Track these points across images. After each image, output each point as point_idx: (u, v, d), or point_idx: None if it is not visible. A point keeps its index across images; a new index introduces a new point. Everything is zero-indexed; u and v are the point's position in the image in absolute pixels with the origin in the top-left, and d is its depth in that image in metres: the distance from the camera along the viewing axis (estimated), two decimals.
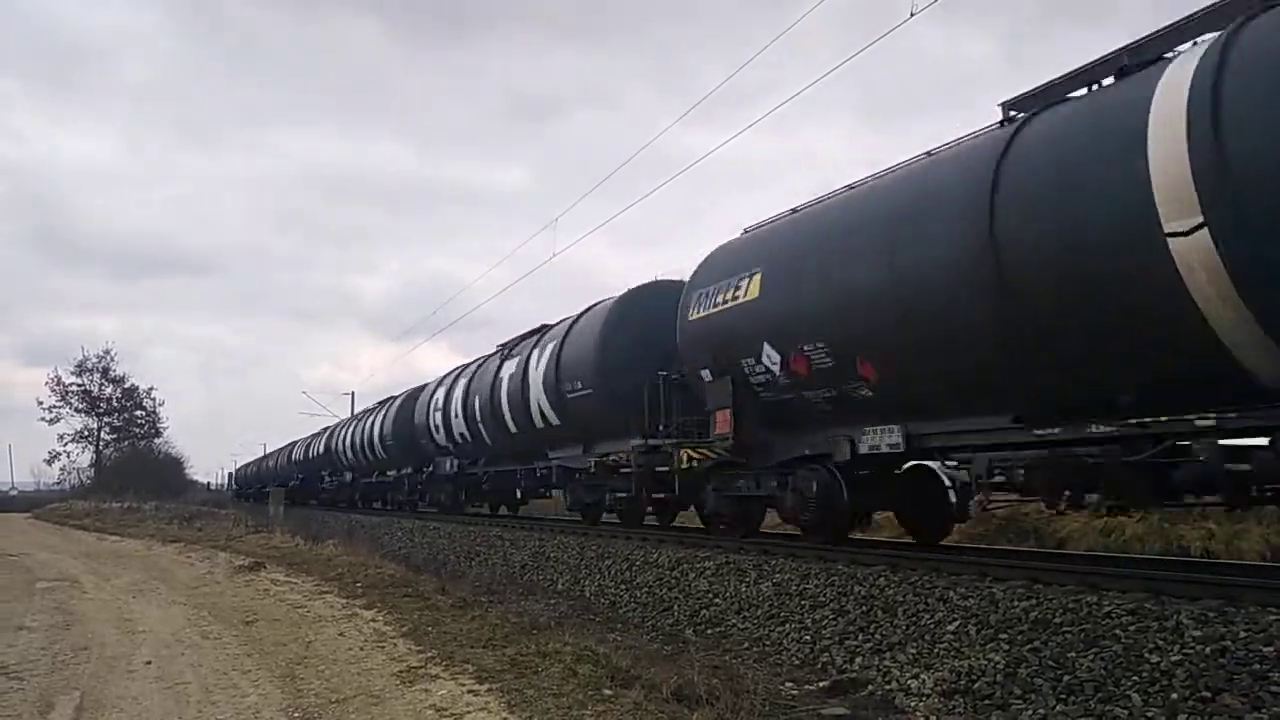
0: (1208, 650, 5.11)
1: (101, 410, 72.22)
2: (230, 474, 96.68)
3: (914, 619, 7.10)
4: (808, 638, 7.74)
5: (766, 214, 12.09)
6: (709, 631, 8.86)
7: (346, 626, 9.23)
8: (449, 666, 7.11)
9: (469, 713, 5.84)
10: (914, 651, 6.66)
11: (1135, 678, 5.20)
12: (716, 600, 9.49)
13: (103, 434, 73.04)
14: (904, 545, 12.31)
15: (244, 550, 19.87)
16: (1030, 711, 5.35)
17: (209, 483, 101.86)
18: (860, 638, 7.28)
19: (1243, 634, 5.15)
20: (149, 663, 7.90)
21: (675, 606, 9.94)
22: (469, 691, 6.32)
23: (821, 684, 6.57)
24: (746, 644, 8.19)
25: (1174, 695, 4.92)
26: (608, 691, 6.21)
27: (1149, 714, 4.87)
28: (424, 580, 12.60)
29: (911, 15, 11.37)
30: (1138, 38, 7.30)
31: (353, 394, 40.35)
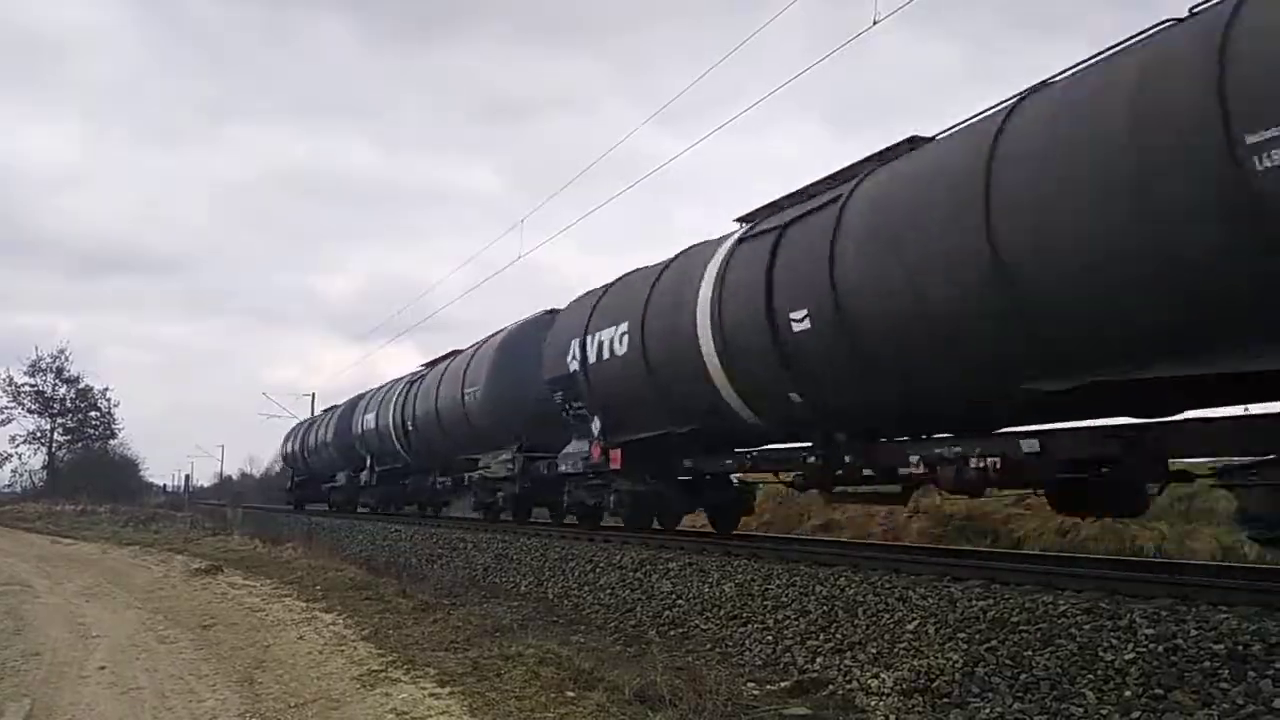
0: (1160, 648, 5.21)
1: (55, 411, 70.74)
2: (200, 475, 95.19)
3: (874, 618, 7.17)
4: (770, 638, 7.78)
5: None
6: (672, 633, 8.87)
7: (306, 630, 9.13)
8: (410, 670, 7.07)
9: (430, 716, 5.81)
10: (874, 651, 6.72)
11: (1090, 675, 5.29)
12: (680, 601, 9.51)
13: (56, 435, 71.52)
14: (865, 545, 12.44)
15: (201, 553, 19.59)
16: (988, 709, 5.42)
17: (165, 485, 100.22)
18: (822, 637, 7.33)
19: (1194, 632, 5.25)
20: (102, 668, 7.76)
21: (639, 608, 9.95)
22: (430, 695, 6.28)
23: (783, 684, 6.60)
24: (709, 645, 8.22)
25: (1127, 693, 5.01)
26: (570, 693, 6.20)
27: (1103, 711, 4.96)
28: (385, 583, 12.52)
29: (875, 23, 11.54)
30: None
31: (313, 395, 40.02)
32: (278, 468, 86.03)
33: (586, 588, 11.39)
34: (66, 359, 70.66)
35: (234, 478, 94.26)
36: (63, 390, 70.83)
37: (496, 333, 19.72)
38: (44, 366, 69.17)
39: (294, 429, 39.90)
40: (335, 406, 32.53)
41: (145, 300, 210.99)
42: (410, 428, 23.48)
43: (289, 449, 38.88)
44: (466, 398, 19.23)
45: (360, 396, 30.52)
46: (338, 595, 11.53)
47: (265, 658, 7.88)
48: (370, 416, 27.53)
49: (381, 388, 28.61)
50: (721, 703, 5.87)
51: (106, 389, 74.30)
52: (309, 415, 42.52)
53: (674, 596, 9.69)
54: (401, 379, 26.56)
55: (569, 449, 14.80)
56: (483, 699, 6.11)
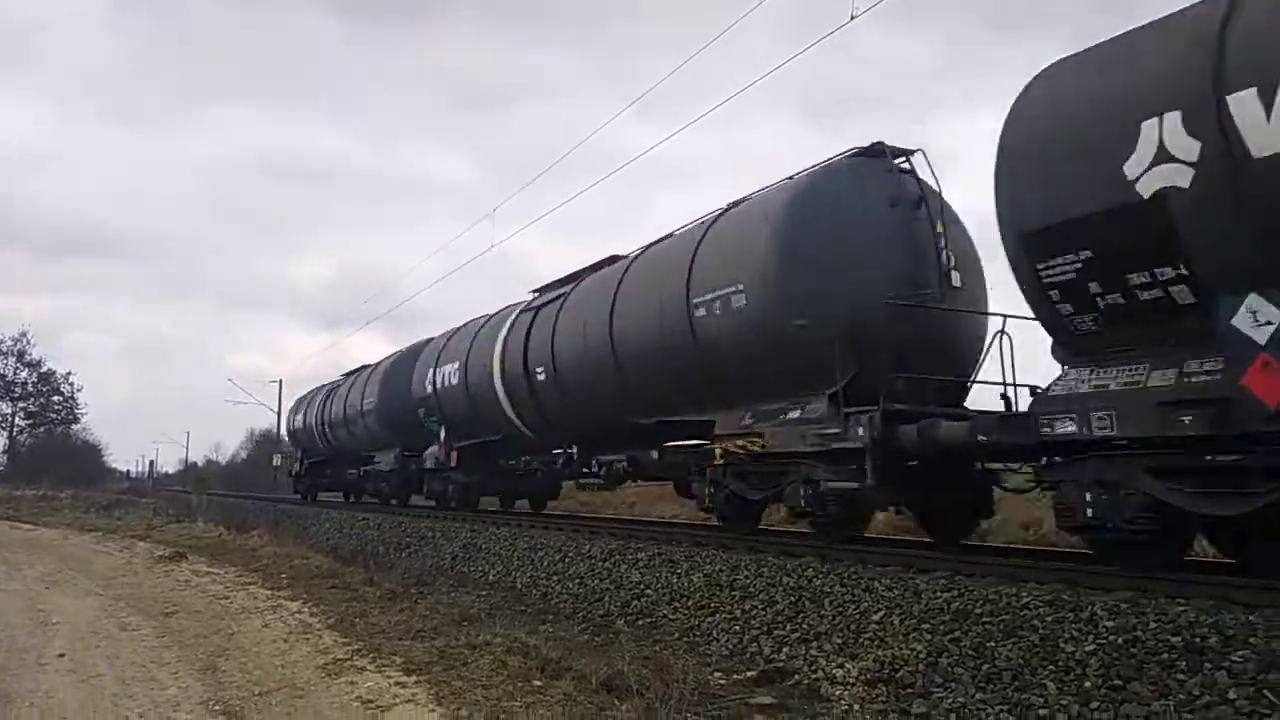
0: (1120, 640, 5.29)
1: (16, 395, 69.58)
2: (152, 464, 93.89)
3: (840, 609, 7.22)
4: (737, 628, 7.82)
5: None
6: (640, 622, 8.89)
7: (271, 618, 9.05)
8: (376, 658, 7.02)
9: (396, 704, 5.78)
10: (839, 641, 6.77)
11: (1051, 667, 5.36)
12: (648, 591, 9.53)
13: (16, 419, 70.35)
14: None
15: (165, 540, 19.36)
16: (950, 699, 5.48)
17: (129, 471, 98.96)
18: (788, 628, 7.38)
19: (1153, 624, 5.34)
20: (62, 655, 7.65)
21: (607, 597, 9.96)
22: (396, 684, 6.25)
23: (749, 673, 6.64)
24: (677, 634, 8.24)
25: (1087, 684, 5.09)
26: (538, 683, 6.20)
27: (1064, 702, 5.03)
28: (352, 572, 12.42)
29: (852, 18, 11.54)
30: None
31: (280, 382, 39.52)
32: (244, 454, 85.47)
33: (555, 577, 11.39)
34: (29, 342, 69.60)
35: (199, 464, 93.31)
36: (24, 374, 69.70)
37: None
38: (5, 350, 68.06)
39: (305, 399, 33.72)
40: (365, 367, 27.50)
41: (112, 284, 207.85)
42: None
43: (298, 423, 33.22)
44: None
45: (426, 342, 23.37)
46: (303, 583, 11.44)
47: (229, 646, 7.81)
48: (432, 375, 21.61)
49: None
50: (688, 692, 5.89)
51: (70, 373, 73.24)
52: (277, 404, 41.39)
53: (642, 586, 9.71)
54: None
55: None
56: (449, 688, 6.09)
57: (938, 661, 5.90)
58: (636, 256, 13.66)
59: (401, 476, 23.57)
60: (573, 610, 10.02)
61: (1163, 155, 6.19)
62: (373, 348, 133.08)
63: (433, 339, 22.27)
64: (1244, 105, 5.74)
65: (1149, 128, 6.27)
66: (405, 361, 23.02)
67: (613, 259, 14.81)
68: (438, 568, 14.11)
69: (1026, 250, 7.16)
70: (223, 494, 46.34)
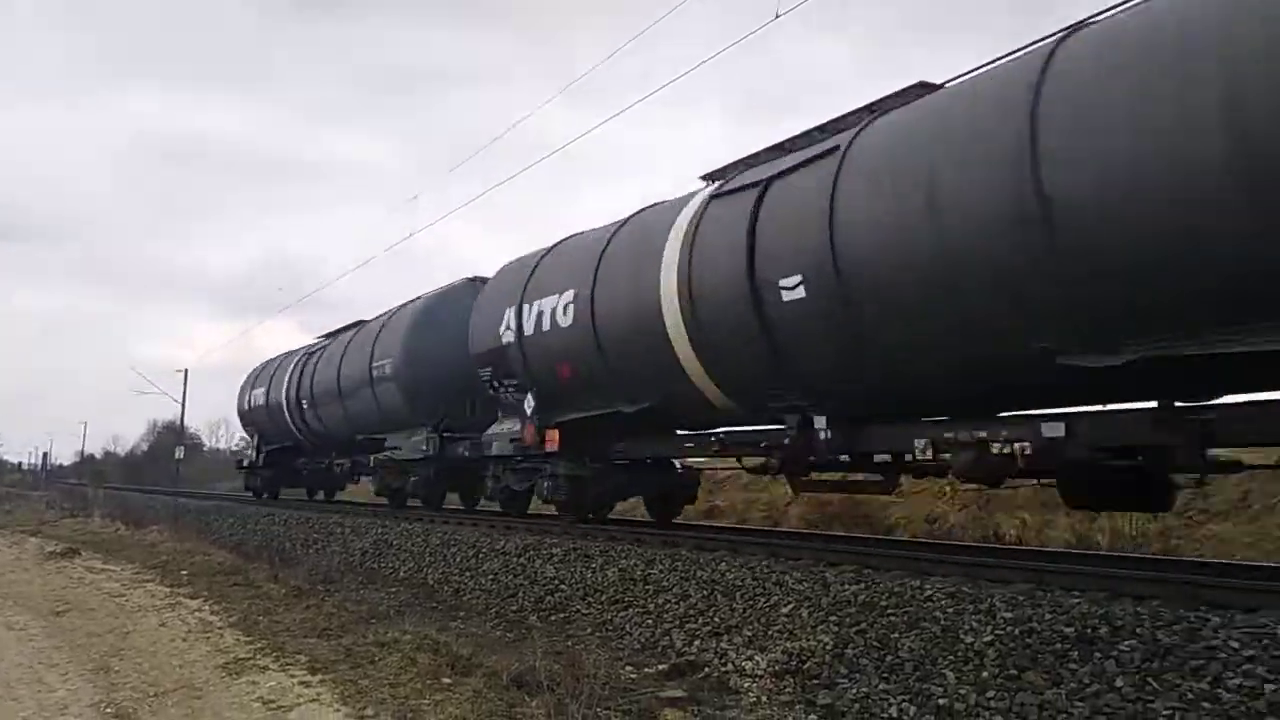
0: (1017, 631, 5.48)
1: None
2: (46, 455, 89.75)
3: (751, 602, 7.31)
4: (650, 622, 7.85)
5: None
6: (554, 618, 8.86)
7: (169, 616, 8.75)
8: (279, 657, 6.85)
9: (299, 704, 5.64)
10: (750, 634, 6.85)
11: (951, 656, 5.52)
12: (563, 586, 9.49)
13: None
14: (747, 530, 12.69)
15: (57, 535, 18.56)
16: (855, 690, 5.60)
17: (21, 463, 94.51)
18: (700, 621, 7.44)
19: (1048, 616, 5.54)
20: None
21: (521, 593, 9.89)
22: (300, 683, 6.10)
23: (661, 667, 6.67)
24: (590, 629, 8.23)
25: (985, 673, 5.25)
26: (447, 680, 6.12)
27: (961, 691, 5.18)
28: (256, 568, 12.10)
29: (777, 16, 11.65)
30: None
31: (186, 372, 38.13)
32: (145, 446, 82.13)
33: (468, 573, 11.25)
34: None
35: (97, 456, 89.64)
36: None
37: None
38: None
39: (266, 370, 25.61)
40: (362, 323, 20.61)
41: (6, 267, 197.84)
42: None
43: (255, 401, 25.47)
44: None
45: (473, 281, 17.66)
46: (204, 581, 11.08)
47: (124, 645, 7.51)
48: (513, 315, 17.32)
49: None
50: (599, 686, 5.88)
51: None
52: (182, 394, 38.78)
53: (557, 582, 9.67)
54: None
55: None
56: (355, 686, 5.97)
57: (844, 653, 6.02)
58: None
59: (437, 466, 16.50)
60: (485, 606, 9.92)
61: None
62: (287, 337, 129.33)
63: (493, 275, 14.65)
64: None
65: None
66: (453, 302, 16.30)
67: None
68: (347, 564, 13.81)
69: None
70: (121, 487, 44.55)
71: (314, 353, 22.09)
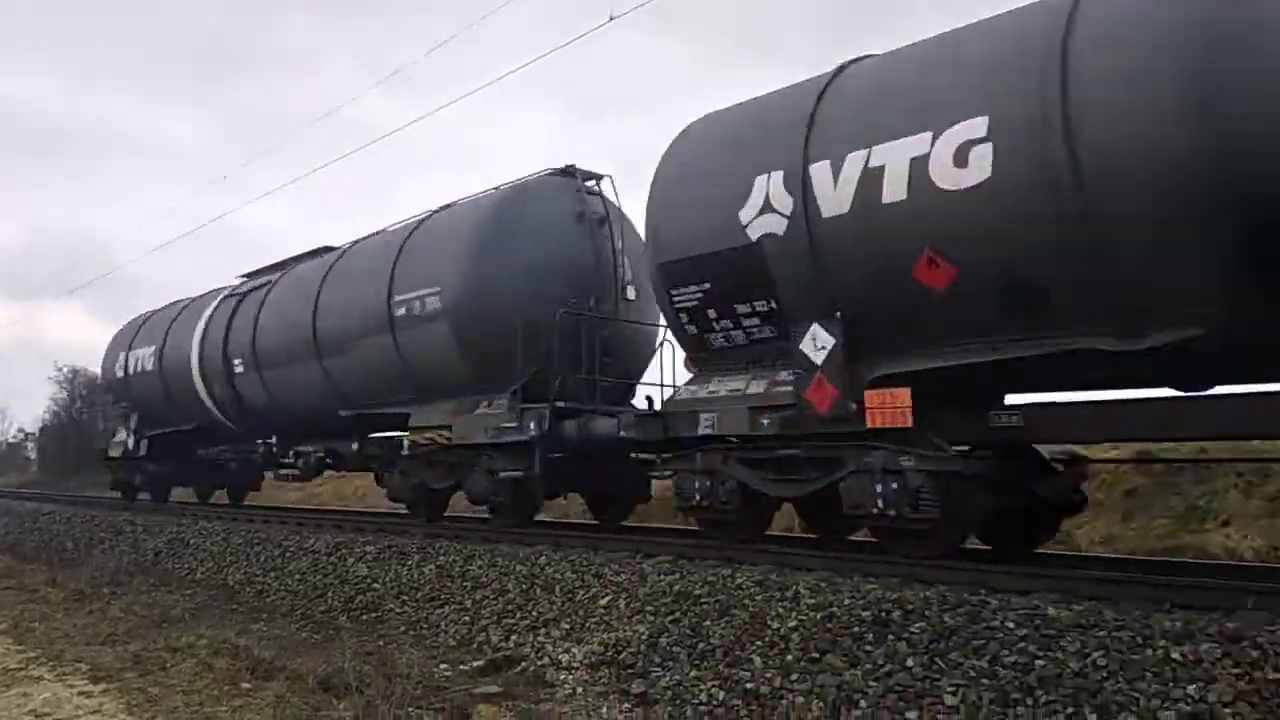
0: (819, 616, 5.75)
1: None
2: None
3: (570, 595, 7.34)
4: (466, 618, 7.73)
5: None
6: (364, 617, 8.57)
7: None
8: (56, 667, 6.30)
9: (79, 716, 5.21)
10: (567, 626, 6.87)
11: (759, 642, 5.73)
12: (375, 585, 9.21)
13: None
14: (569, 525, 12.72)
15: None
16: (667, 678, 5.72)
17: None
18: (518, 615, 7.39)
19: (847, 601, 5.85)
20: None
21: (330, 593, 9.51)
22: (80, 694, 5.63)
23: (476, 663, 6.58)
24: (404, 628, 8.03)
25: (789, 657, 5.49)
26: (247, 685, 5.82)
27: (768, 675, 5.39)
28: (33, 570, 11.11)
29: (611, 19, 11.74)
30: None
31: None
32: None
33: (273, 574, 10.72)
34: None
35: None
36: None
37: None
38: None
39: (153, 322, 18.62)
40: (329, 248, 14.70)
41: None
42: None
43: (138, 364, 18.27)
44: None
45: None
46: None
47: None
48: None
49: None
50: (412, 685, 5.75)
51: None
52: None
53: (370, 580, 9.37)
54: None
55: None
56: (144, 695, 5.57)
57: (658, 642, 6.14)
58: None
59: (544, 455, 9.76)
60: (291, 608, 9.48)
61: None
62: (77, 322, 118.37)
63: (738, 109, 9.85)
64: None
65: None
66: (541, 201, 10.81)
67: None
68: (137, 565, 12.85)
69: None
70: None
71: (247, 294, 15.32)
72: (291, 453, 14.50)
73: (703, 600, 6.45)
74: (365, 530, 11.65)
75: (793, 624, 5.74)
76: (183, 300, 18.16)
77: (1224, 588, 5.56)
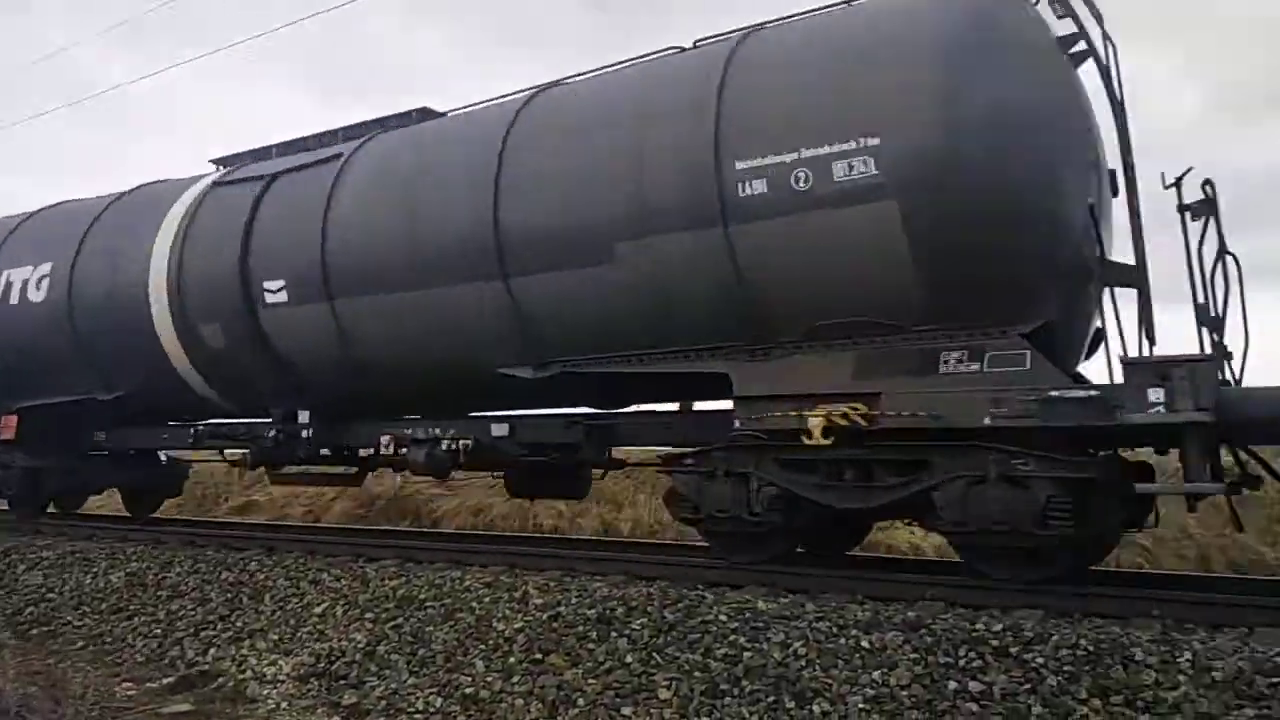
0: (545, 616, 5.71)
1: None
2: None
3: (282, 604, 6.85)
4: (159, 631, 7.01)
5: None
6: (34, 633, 7.56)
7: None
8: None
9: None
10: (275, 638, 6.40)
11: (483, 645, 5.60)
12: (51, 595, 8.16)
13: None
14: (284, 527, 11.93)
15: None
16: (383, 687, 5.45)
17: None
18: (220, 626, 6.80)
19: (574, 600, 5.85)
20: None
21: None
22: None
23: (166, 680, 5.97)
24: (82, 643, 7.14)
25: (512, 659, 5.40)
26: None
27: (489, 679, 5.27)
28: None
29: None
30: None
31: None
32: None
33: None
34: None
35: None
36: None
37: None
38: None
39: (65, 219, 11.19)
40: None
41: None
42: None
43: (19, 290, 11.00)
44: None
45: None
46: None
47: None
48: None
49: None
50: (86, 707, 5.12)
51: None
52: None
53: (44, 590, 8.29)
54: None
55: None
56: None
57: (375, 650, 5.85)
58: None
59: None
60: None
61: None
62: None
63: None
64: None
65: None
66: None
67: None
68: None
69: None
70: None
71: (280, 178, 9.17)
72: (387, 438, 8.50)
73: (428, 604, 6.23)
74: (43, 533, 10.30)
75: (519, 625, 5.67)
76: (105, 197, 11.10)
77: (910, 581, 6.07)
